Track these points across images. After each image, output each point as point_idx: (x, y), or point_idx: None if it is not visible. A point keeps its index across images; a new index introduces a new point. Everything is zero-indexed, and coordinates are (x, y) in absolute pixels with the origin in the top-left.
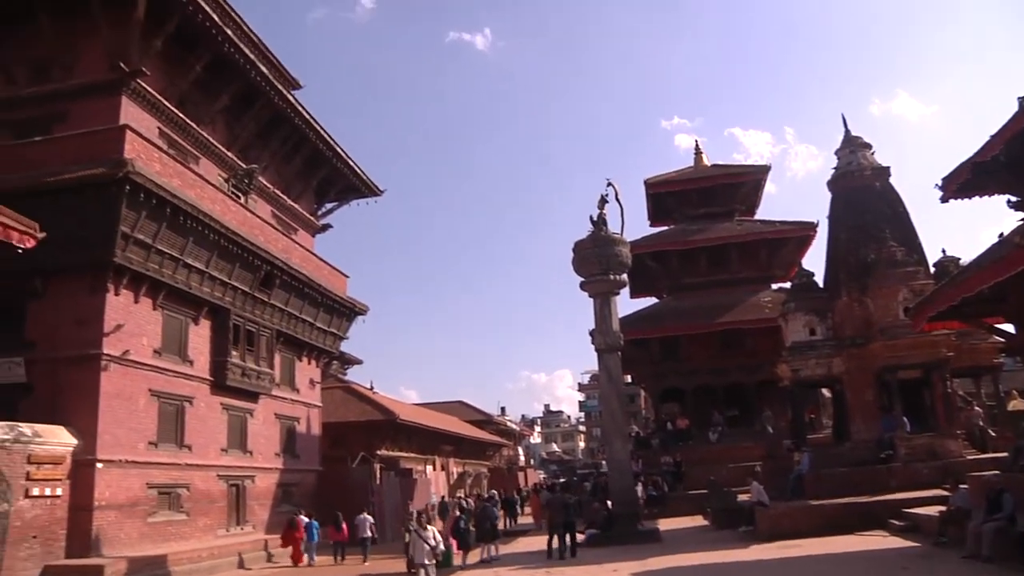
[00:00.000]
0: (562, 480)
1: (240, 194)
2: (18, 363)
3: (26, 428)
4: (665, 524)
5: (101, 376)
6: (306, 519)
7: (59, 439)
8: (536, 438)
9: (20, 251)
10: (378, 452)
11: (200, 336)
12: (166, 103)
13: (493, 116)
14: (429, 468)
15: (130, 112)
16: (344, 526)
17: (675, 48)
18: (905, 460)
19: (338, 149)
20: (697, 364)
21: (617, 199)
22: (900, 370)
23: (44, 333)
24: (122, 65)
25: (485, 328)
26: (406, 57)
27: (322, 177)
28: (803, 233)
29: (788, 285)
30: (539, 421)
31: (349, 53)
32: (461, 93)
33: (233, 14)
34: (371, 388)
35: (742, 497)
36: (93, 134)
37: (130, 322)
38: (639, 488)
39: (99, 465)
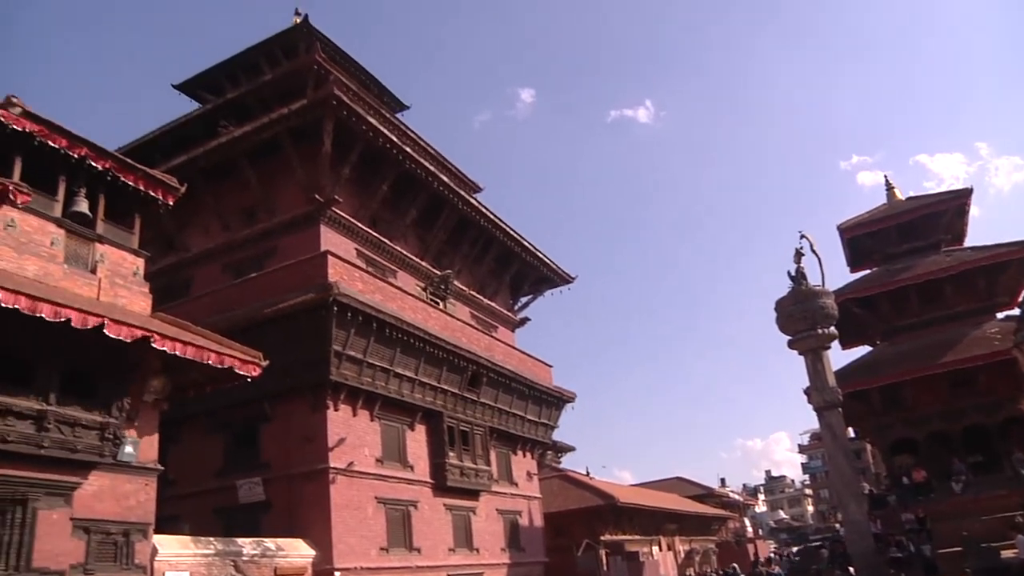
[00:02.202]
0: (795, 549)
1: (438, 300)
2: (257, 483)
3: (270, 543)
4: None
5: (331, 489)
6: None
7: (299, 551)
8: (761, 507)
9: (249, 380)
10: (602, 538)
11: (417, 441)
12: (360, 225)
13: (667, 183)
14: (655, 549)
15: (329, 238)
16: None
17: (842, 86)
18: None
19: (526, 244)
20: (926, 410)
21: (813, 250)
22: None
23: (276, 453)
24: (317, 197)
25: (691, 401)
26: (572, 143)
27: (514, 272)
28: None
29: (1016, 312)
30: (761, 489)
31: (518, 148)
32: (631, 167)
33: (410, 132)
34: (587, 473)
35: (1005, 553)
36: (300, 264)
37: (351, 435)
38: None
39: (337, 574)
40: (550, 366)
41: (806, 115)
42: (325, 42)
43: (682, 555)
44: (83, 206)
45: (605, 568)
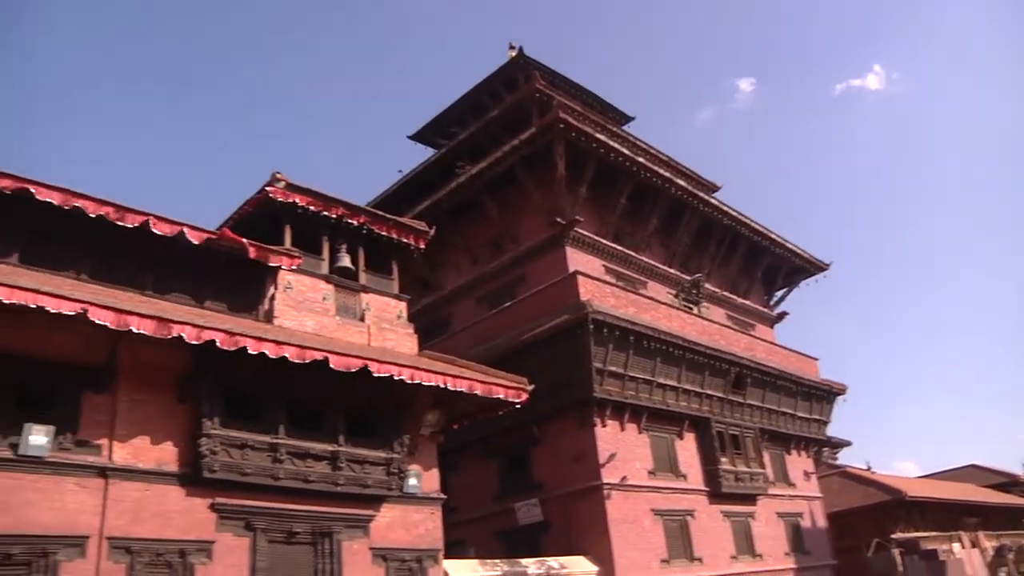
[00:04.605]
0: None
1: (692, 305)
2: (534, 504)
3: (553, 561)
4: None
5: (606, 504)
6: None
7: (581, 568)
8: None
9: (517, 406)
10: (892, 536)
11: (687, 449)
12: (603, 241)
13: (914, 148)
14: (955, 546)
15: (575, 258)
16: None
17: None
18: None
19: (773, 236)
20: None
21: None
22: None
23: (548, 473)
24: (559, 220)
25: (978, 382)
26: (801, 124)
27: (765, 267)
28: None
29: None
30: None
31: (746, 139)
32: (870, 138)
33: (640, 143)
34: (868, 468)
35: None
36: (550, 287)
37: (621, 449)
38: None
39: None
40: (815, 359)
41: None
42: (542, 69)
43: (990, 552)
44: (346, 261)
45: (901, 569)
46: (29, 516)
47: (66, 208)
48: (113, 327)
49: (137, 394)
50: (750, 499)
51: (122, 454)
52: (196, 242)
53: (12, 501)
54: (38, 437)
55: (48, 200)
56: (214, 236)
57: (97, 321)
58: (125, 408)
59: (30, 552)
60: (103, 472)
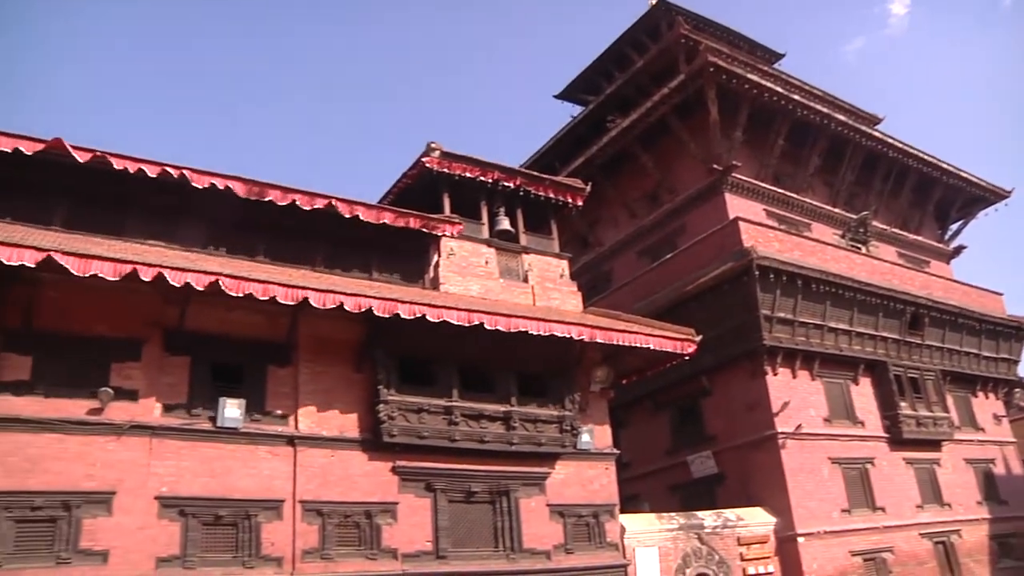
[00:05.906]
0: None
1: (859, 244)
2: (708, 456)
3: (730, 513)
4: None
5: (781, 454)
6: None
7: (758, 519)
8: None
9: (686, 358)
10: None
11: (863, 395)
12: (763, 184)
13: None
14: None
15: (735, 204)
16: None
17: None
18: None
19: (944, 166)
20: None
21: None
22: None
23: (721, 425)
24: (715, 167)
25: None
26: (965, 44)
27: (937, 199)
28: None
29: None
30: None
31: (904, 66)
32: None
33: (793, 80)
34: None
35: None
36: (712, 236)
37: (794, 397)
38: None
39: (800, 539)
40: (1000, 294)
41: None
42: (685, 14)
43: None
44: (505, 223)
45: None
46: (231, 482)
47: (252, 199)
48: (319, 306)
49: (317, 366)
50: (934, 445)
51: (307, 423)
52: (369, 220)
53: (216, 469)
54: (232, 410)
55: (241, 192)
56: (384, 212)
57: (312, 303)
58: (307, 379)
59: (235, 514)
60: (291, 440)
